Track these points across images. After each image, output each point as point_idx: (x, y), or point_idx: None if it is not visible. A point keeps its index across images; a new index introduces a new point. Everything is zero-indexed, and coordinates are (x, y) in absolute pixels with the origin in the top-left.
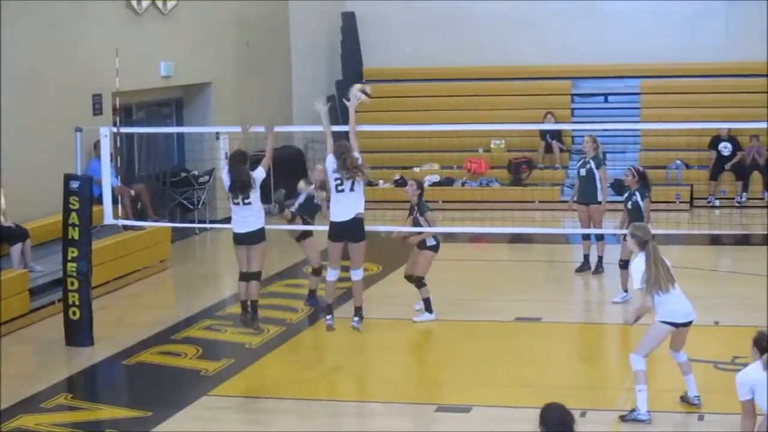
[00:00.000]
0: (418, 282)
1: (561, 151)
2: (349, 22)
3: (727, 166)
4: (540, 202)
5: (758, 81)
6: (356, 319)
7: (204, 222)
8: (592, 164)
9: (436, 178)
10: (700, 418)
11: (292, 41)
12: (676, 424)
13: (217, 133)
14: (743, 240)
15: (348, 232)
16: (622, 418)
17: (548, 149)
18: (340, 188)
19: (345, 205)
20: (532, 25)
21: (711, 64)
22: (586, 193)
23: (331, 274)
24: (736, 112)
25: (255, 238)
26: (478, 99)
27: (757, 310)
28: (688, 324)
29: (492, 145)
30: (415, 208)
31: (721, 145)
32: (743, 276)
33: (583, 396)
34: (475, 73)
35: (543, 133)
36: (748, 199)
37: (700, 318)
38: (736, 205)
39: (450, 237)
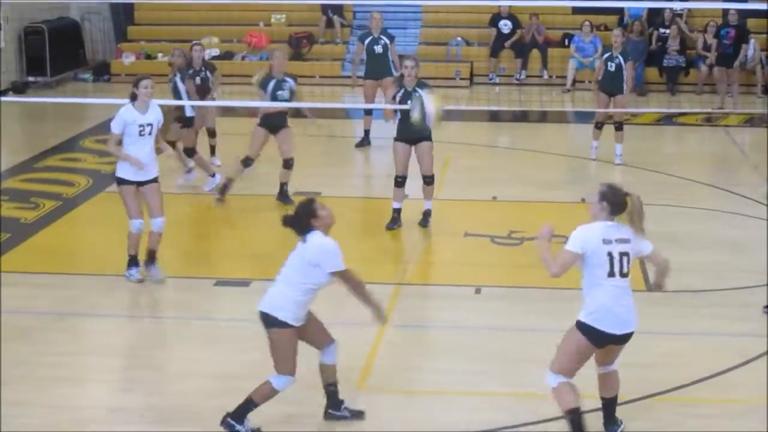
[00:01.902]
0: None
1: (342, 26)
2: None
3: (507, 43)
4: (320, 77)
5: None
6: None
7: None
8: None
9: (216, 51)
10: (477, 291)
11: None
12: (455, 296)
13: None
14: (521, 117)
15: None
16: None
17: (329, 24)
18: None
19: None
20: None
21: None
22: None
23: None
24: None
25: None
26: None
27: (533, 186)
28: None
29: (272, 20)
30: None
31: (501, 23)
32: (520, 152)
33: (361, 269)
34: None
35: (324, 8)
36: (527, 76)
37: (480, 193)
38: (515, 82)
39: (230, 111)
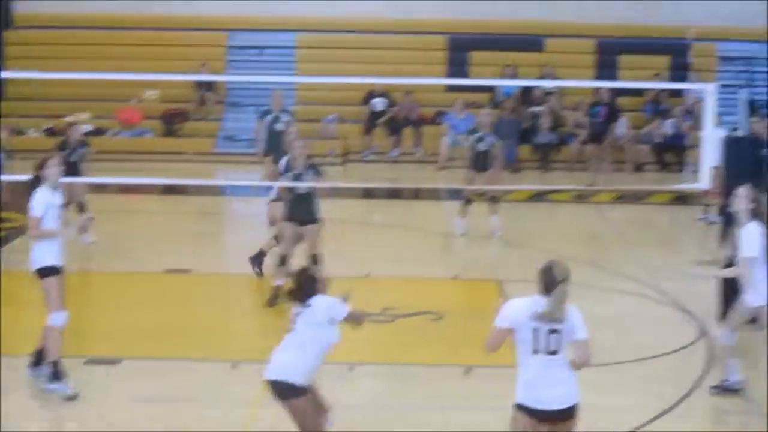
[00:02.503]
0: None
1: (215, 103)
2: None
3: (380, 121)
4: (193, 153)
5: (417, 38)
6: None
7: None
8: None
9: (88, 127)
10: (351, 368)
11: None
12: (326, 375)
13: None
14: (394, 194)
15: None
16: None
17: (203, 101)
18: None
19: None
20: None
21: (368, 20)
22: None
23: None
24: (389, 69)
25: None
26: (134, 48)
27: (406, 262)
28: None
29: (145, 96)
30: None
31: (375, 101)
32: (394, 228)
33: (236, 346)
34: (134, 22)
35: (198, 85)
36: (401, 153)
37: (352, 270)
38: (389, 159)
39: (101, 188)
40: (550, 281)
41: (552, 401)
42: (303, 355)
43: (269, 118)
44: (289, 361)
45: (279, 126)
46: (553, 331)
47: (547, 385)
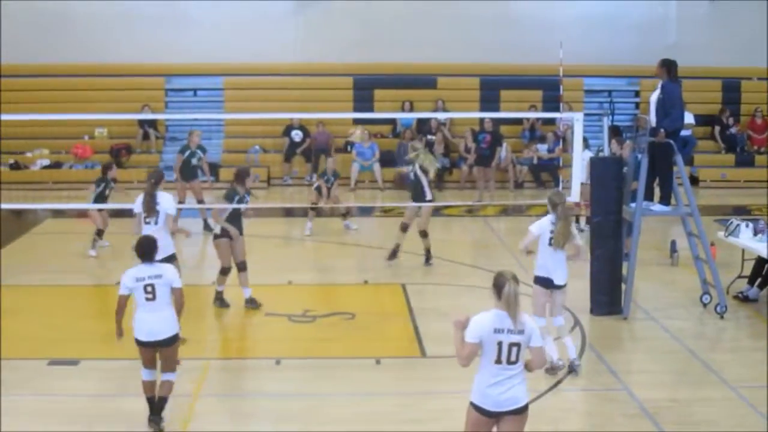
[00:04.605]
0: None
1: (156, 138)
2: None
3: (299, 150)
4: (138, 182)
5: (328, 79)
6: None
7: None
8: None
9: (47, 161)
10: (277, 362)
11: None
12: (257, 369)
13: None
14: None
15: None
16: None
17: (146, 136)
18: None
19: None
20: (128, 27)
21: (285, 64)
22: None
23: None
24: (305, 105)
25: None
26: (87, 93)
27: (323, 271)
28: (557, 287)
29: (96, 133)
30: None
31: (293, 133)
32: (311, 242)
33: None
34: (85, 70)
35: (141, 123)
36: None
37: (275, 278)
38: (306, 183)
39: (60, 213)
40: (499, 287)
41: (505, 403)
42: None
43: (187, 153)
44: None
45: (194, 160)
46: (513, 345)
47: (503, 389)
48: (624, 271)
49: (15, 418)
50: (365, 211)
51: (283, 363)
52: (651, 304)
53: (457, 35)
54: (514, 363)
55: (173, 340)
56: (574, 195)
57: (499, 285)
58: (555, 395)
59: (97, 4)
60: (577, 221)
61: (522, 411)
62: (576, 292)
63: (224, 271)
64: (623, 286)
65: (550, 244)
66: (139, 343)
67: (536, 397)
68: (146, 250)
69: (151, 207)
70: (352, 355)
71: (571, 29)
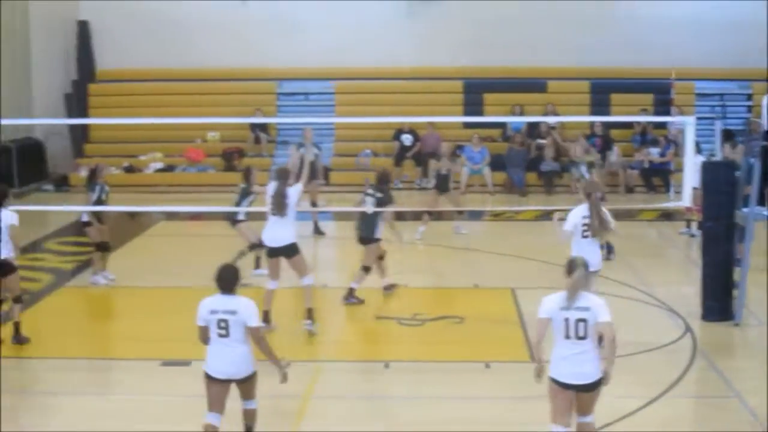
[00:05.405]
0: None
1: (268, 141)
2: (83, 29)
3: (409, 154)
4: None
5: (438, 83)
6: (308, 322)
7: None
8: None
9: (160, 165)
10: (386, 365)
11: (32, 45)
12: (367, 371)
13: None
14: (420, 217)
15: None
16: None
17: (257, 140)
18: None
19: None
20: (240, 32)
21: (396, 68)
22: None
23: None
24: (415, 109)
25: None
26: (198, 97)
27: (430, 274)
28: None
29: (208, 137)
30: None
31: (403, 136)
32: (423, 245)
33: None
34: (196, 74)
35: (253, 126)
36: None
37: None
38: (416, 187)
39: (173, 215)
40: (570, 271)
41: (578, 377)
42: None
43: (302, 149)
44: None
45: (310, 156)
46: (579, 320)
47: (575, 363)
48: (736, 277)
49: (130, 419)
50: (475, 215)
51: (392, 366)
52: (764, 310)
53: (567, 38)
54: (583, 338)
55: (249, 378)
56: (686, 199)
57: (570, 269)
58: (666, 401)
59: (210, 11)
60: (689, 226)
61: (592, 388)
62: (687, 297)
63: (366, 270)
64: (735, 292)
65: (583, 237)
66: (209, 378)
67: (647, 402)
68: (225, 280)
69: (280, 203)
70: (461, 359)
71: (681, 31)
